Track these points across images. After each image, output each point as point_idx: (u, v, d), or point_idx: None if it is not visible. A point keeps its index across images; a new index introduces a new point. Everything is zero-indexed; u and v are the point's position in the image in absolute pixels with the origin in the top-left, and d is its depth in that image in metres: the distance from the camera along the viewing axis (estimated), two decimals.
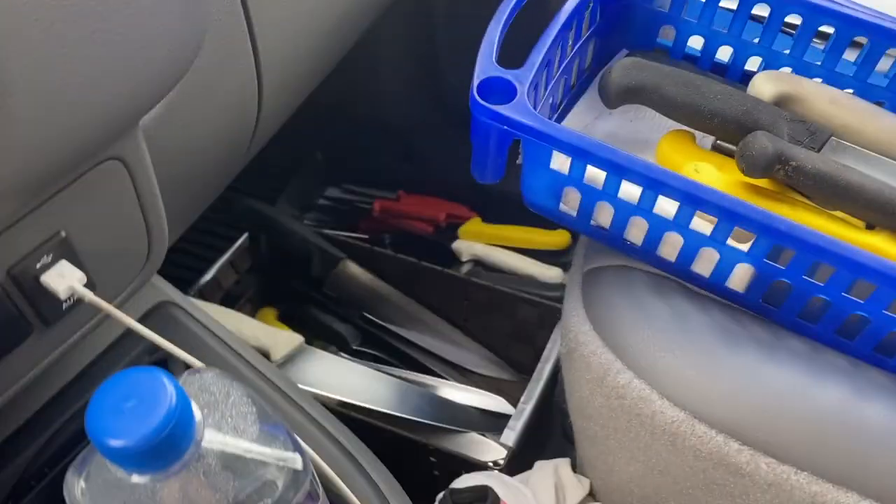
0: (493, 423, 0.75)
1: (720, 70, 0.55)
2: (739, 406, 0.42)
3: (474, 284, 0.83)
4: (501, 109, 0.44)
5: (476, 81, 0.45)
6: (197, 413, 0.30)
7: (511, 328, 0.85)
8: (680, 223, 0.44)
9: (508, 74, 0.45)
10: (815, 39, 0.52)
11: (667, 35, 0.56)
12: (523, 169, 0.48)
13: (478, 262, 0.92)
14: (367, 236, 0.97)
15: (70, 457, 0.44)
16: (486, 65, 0.46)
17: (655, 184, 0.42)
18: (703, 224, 0.44)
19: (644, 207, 0.44)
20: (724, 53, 0.55)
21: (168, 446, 0.27)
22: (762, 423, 0.41)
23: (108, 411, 0.27)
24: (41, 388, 0.44)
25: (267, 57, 0.51)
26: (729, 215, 0.41)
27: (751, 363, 0.43)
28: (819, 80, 0.53)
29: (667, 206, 0.44)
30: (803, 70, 0.53)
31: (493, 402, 0.81)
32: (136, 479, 0.29)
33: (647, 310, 0.46)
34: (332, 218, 1.00)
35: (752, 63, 0.55)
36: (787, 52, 0.53)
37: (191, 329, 0.49)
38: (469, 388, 0.82)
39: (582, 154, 0.43)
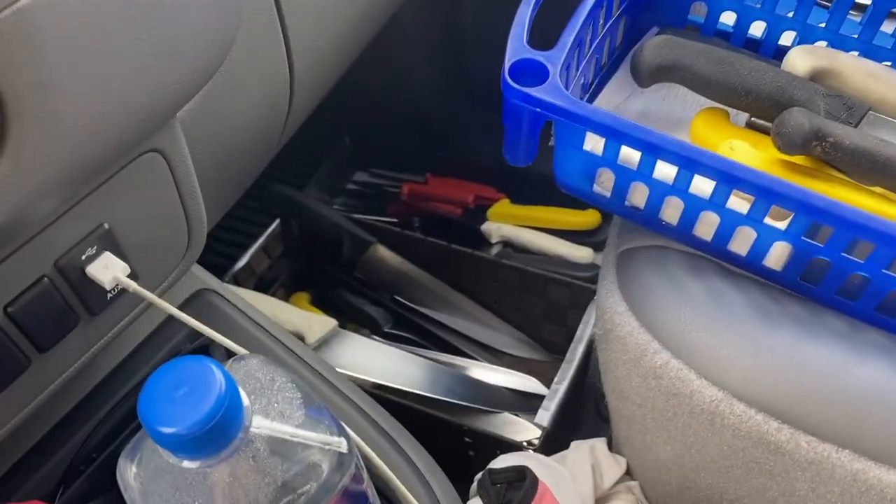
0: (526, 404, 0.76)
1: (753, 46, 0.55)
2: (778, 384, 0.42)
3: (504, 266, 0.83)
4: (534, 92, 0.43)
5: (507, 64, 0.45)
6: (245, 399, 0.30)
7: (542, 309, 0.85)
8: (716, 202, 0.43)
9: (540, 56, 0.45)
10: (851, 12, 0.51)
11: (698, 11, 0.55)
12: (556, 151, 0.47)
13: (507, 244, 0.92)
14: (396, 220, 0.97)
15: (117, 442, 0.45)
16: (517, 47, 0.45)
17: (691, 163, 0.42)
18: (739, 203, 0.44)
19: (679, 187, 0.44)
20: (757, 28, 0.54)
21: (218, 432, 0.28)
22: (802, 401, 0.41)
23: (159, 399, 0.28)
24: (87, 375, 0.45)
25: (297, 43, 0.51)
26: (766, 193, 0.41)
27: (789, 341, 0.43)
28: (855, 53, 0.52)
29: (702, 186, 0.43)
30: (839, 43, 0.52)
31: (525, 382, 0.81)
32: (186, 464, 0.30)
33: (683, 289, 0.46)
34: (360, 202, 1.01)
35: (787, 38, 0.54)
36: (823, 25, 0.52)
37: (230, 315, 0.50)
38: (501, 368, 0.83)
39: (616, 134, 0.43)
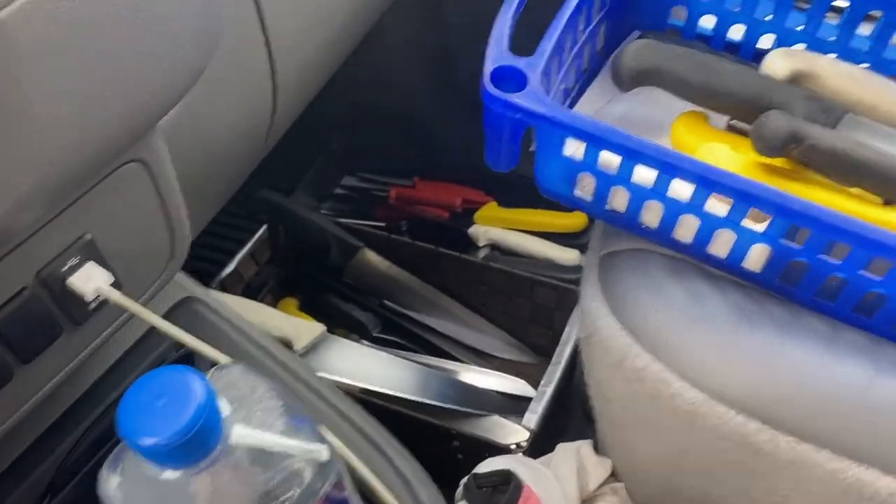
0: (514, 406, 0.76)
1: (733, 49, 0.55)
2: (759, 385, 0.42)
3: (491, 269, 0.84)
4: (514, 98, 0.44)
5: (487, 70, 0.45)
6: (225, 409, 0.31)
7: (529, 311, 0.85)
8: (695, 206, 0.44)
9: (520, 62, 0.45)
10: (829, 14, 0.52)
11: (678, 15, 0.55)
12: (536, 156, 0.48)
13: (495, 247, 0.93)
14: (384, 224, 0.97)
15: (100, 454, 0.45)
16: (497, 53, 0.46)
17: (670, 168, 0.42)
18: (718, 205, 0.44)
19: (659, 191, 0.44)
20: (736, 32, 0.54)
21: (198, 442, 0.28)
22: (782, 402, 0.42)
23: (139, 409, 0.28)
24: (71, 385, 0.45)
25: (281, 52, 0.51)
26: (744, 197, 0.41)
27: (769, 342, 0.43)
28: (834, 55, 0.52)
29: (681, 189, 0.44)
30: (817, 46, 0.52)
31: (513, 384, 0.82)
32: (168, 474, 0.30)
33: (664, 292, 0.46)
34: (348, 207, 1.01)
35: (766, 41, 0.54)
36: (801, 28, 0.52)
37: (215, 323, 0.50)
38: (490, 371, 0.83)
39: (596, 140, 0.43)
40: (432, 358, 0.84)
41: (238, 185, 0.62)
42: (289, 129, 0.67)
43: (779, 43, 0.54)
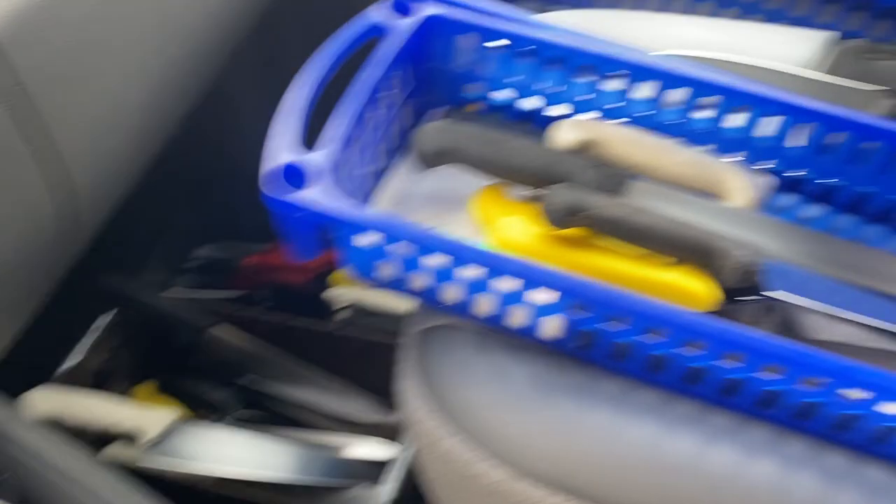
0: (385, 471, 0.76)
1: (529, 117, 0.57)
2: (557, 456, 0.44)
3: (345, 337, 0.84)
4: (291, 197, 0.44)
5: (264, 170, 0.45)
6: None
7: (390, 373, 0.85)
8: (485, 285, 0.45)
9: (300, 160, 0.45)
10: (609, 83, 0.54)
11: (474, 90, 0.57)
12: (336, 245, 0.48)
13: (356, 308, 0.92)
14: (242, 293, 0.96)
15: None
16: (275, 150, 0.46)
17: (456, 256, 0.43)
18: (508, 282, 0.45)
19: (450, 274, 0.45)
20: (529, 103, 0.56)
21: None
22: (577, 470, 0.43)
23: None
24: None
25: (76, 164, 0.50)
26: (527, 279, 0.43)
27: (565, 411, 0.45)
28: (623, 121, 0.55)
29: (470, 271, 0.45)
30: (605, 113, 0.55)
31: (382, 450, 0.81)
32: None
33: (470, 369, 0.47)
34: (205, 278, 0.99)
35: (559, 110, 0.56)
36: (587, 97, 0.55)
37: (22, 446, 0.47)
38: (357, 438, 0.83)
39: (384, 232, 0.44)
40: (297, 431, 0.83)
41: (54, 285, 0.59)
42: (134, 205, 0.65)
43: (573, 111, 0.56)
